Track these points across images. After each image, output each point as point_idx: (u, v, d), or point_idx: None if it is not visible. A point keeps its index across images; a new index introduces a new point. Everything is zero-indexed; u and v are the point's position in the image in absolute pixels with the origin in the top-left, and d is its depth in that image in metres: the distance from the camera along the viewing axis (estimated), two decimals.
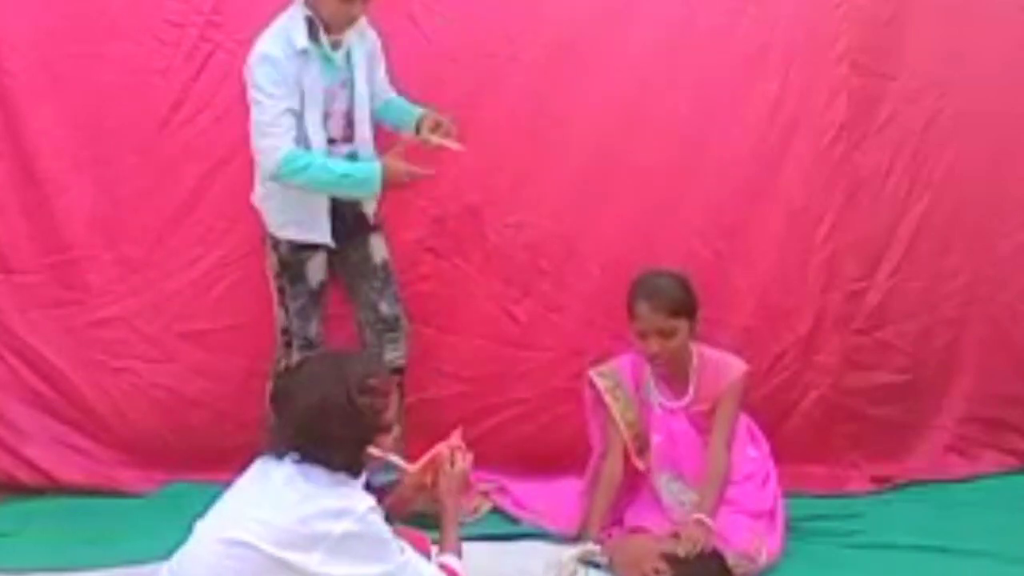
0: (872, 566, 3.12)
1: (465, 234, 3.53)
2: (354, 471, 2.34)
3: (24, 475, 3.49)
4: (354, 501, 2.27)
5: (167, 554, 2.41)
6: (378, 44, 3.32)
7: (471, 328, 3.52)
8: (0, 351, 3.51)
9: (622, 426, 3.18)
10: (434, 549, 2.53)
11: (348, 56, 3.19)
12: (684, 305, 3.08)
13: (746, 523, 3.09)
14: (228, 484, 2.44)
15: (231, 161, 3.45)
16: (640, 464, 3.19)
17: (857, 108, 3.60)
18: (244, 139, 3.44)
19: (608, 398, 3.19)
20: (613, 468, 3.19)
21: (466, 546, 2.81)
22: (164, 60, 3.43)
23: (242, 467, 2.78)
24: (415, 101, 3.37)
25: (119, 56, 3.43)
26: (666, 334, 3.07)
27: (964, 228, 3.75)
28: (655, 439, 3.18)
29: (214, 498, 2.40)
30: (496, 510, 3.43)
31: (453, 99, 3.48)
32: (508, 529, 3.27)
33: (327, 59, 3.14)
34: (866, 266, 3.69)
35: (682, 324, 3.08)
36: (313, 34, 3.09)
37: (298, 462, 2.29)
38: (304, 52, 3.08)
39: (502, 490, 3.48)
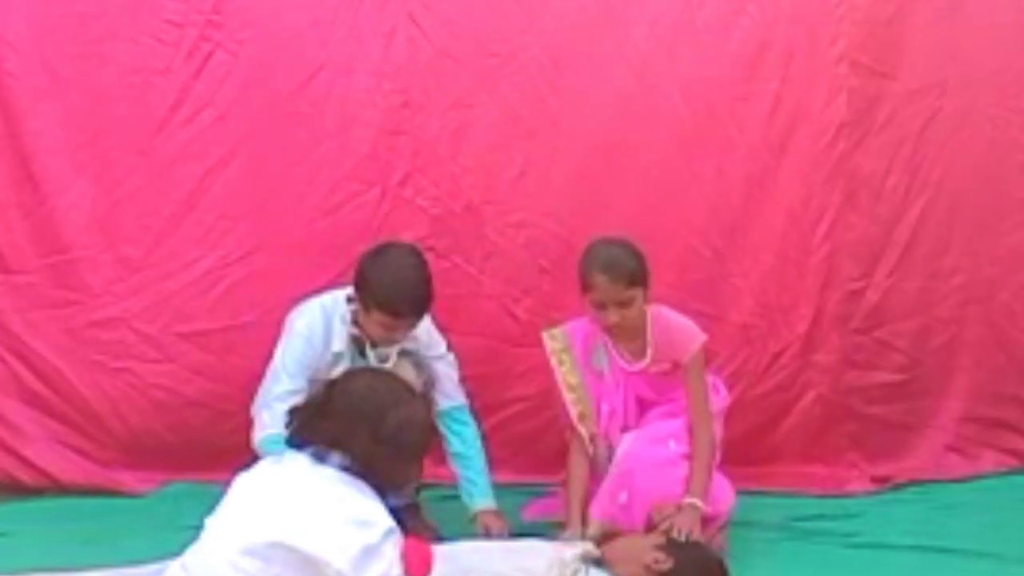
0: (872, 566, 3.12)
1: (465, 234, 3.54)
2: (400, 486, 2.38)
3: (24, 475, 3.49)
4: (378, 516, 2.23)
5: (167, 554, 2.40)
6: (437, 348, 3.16)
7: (471, 327, 3.51)
8: (0, 352, 3.52)
9: (564, 390, 3.13)
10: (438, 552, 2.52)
11: (385, 357, 3.06)
12: (640, 274, 3.03)
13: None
14: (228, 484, 2.42)
15: (231, 161, 3.46)
16: (582, 430, 3.12)
17: (856, 108, 3.61)
18: (244, 139, 3.46)
19: (554, 360, 3.15)
20: (576, 457, 3.12)
21: (466, 545, 2.81)
22: (164, 60, 3.43)
23: (242, 467, 2.78)
24: (415, 101, 3.38)
25: (119, 56, 3.43)
26: (624, 304, 3.00)
27: (962, 228, 3.76)
28: (604, 408, 3.12)
29: (214, 498, 2.38)
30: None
31: (453, 99, 3.49)
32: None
33: (361, 357, 3.06)
34: (865, 265, 3.70)
35: (638, 293, 3.02)
36: (359, 346, 3.03)
37: (343, 468, 2.26)
38: (339, 354, 3.02)
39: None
